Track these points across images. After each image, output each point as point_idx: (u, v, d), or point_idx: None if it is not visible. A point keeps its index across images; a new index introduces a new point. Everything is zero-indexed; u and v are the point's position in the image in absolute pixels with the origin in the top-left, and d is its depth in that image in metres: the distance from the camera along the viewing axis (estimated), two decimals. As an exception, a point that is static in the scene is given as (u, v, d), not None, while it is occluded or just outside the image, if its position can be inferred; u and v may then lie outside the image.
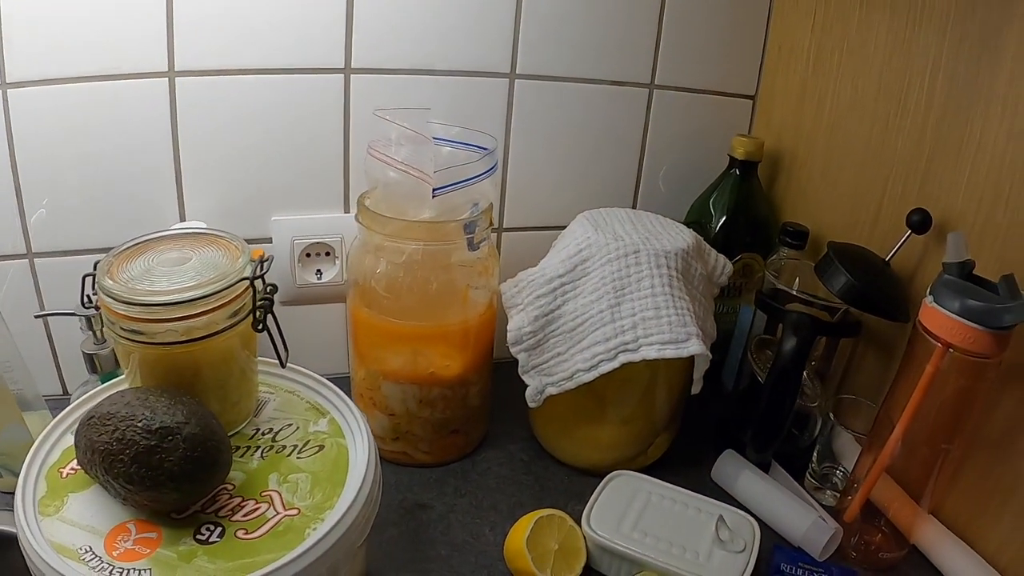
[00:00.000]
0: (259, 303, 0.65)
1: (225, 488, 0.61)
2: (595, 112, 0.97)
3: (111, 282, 0.59)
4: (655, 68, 0.97)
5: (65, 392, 0.90)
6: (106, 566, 0.53)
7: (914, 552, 0.80)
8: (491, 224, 0.81)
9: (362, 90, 0.86)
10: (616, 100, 0.97)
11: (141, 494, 0.56)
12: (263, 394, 0.72)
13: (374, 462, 0.64)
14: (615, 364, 0.77)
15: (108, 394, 0.62)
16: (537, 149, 0.97)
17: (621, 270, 0.78)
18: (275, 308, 0.92)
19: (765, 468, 0.87)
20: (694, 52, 0.99)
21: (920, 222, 0.81)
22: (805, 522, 0.79)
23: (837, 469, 0.87)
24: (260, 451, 0.65)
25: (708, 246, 0.89)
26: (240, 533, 0.57)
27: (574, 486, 0.84)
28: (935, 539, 0.80)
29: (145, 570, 0.53)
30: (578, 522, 0.76)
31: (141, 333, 0.59)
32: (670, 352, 0.76)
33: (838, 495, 0.86)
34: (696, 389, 0.82)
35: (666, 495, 0.80)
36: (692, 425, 0.95)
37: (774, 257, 0.94)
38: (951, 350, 0.68)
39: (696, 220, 1.01)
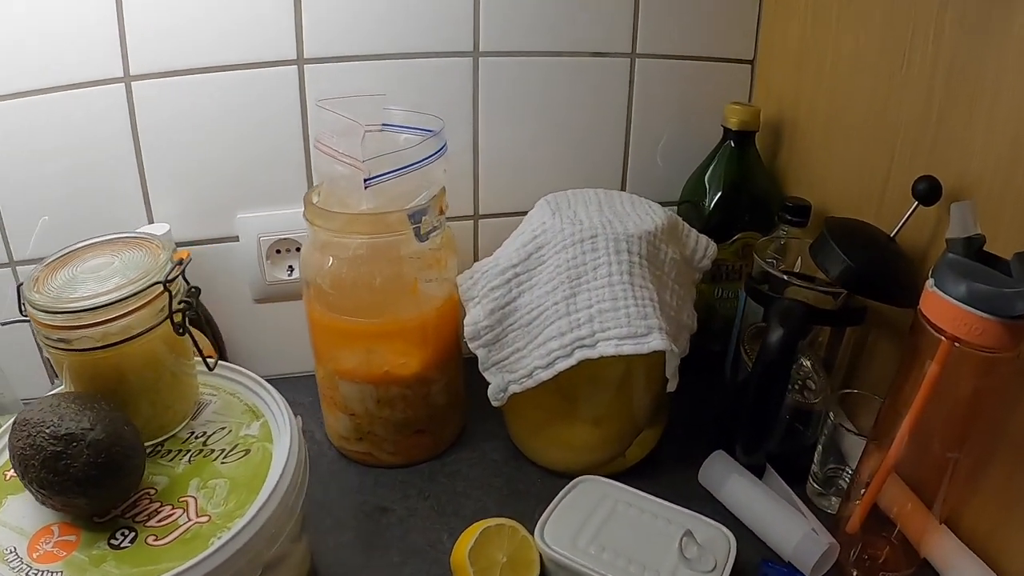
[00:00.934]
0: (177, 306, 0.65)
1: (147, 493, 0.59)
2: (571, 87, 0.90)
3: (35, 294, 0.58)
4: (635, 35, 0.89)
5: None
6: (24, 567, 0.52)
7: (927, 568, 0.69)
8: (443, 212, 0.75)
9: (318, 81, 0.82)
10: (594, 73, 0.90)
11: (54, 498, 0.56)
12: (205, 396, 0.69)
13: (293, 469, 0.59)
14: (572, 361, 0.70)
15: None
16: (510, 130, 0.91)
17: (577, 257, 0.71)
18: (247, 306, 0.91)
19: (759, 471, 0.78)
20: (680, 14, 0.89)
21: (927, 191, 0.69)
22: (795, 535, 0.70)
23: (844, 471, 0.77)
24: (189, 455, 0.63)
25: (687, 227, 0.80)
26: (150, 539, 0.55)
27: (546, 490, 0.77)
28: (949, 555, 0.69)
29: (57, 572, 0.52)
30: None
31: (65, 340, 0.58)
32: (629, 348, 0.68)
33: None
34: (672, 387, 0.73)
35: (634, 504, 0.72)
36: (689, 420, 0.87)
37: (772, 236, 0.83)
38: (957, 344, 0.58)
39: (689, 199, 0.92)
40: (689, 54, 0.91)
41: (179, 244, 0.84)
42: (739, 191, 0.88)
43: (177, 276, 0.63)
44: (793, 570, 0.69)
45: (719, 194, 0.88)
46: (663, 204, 0.93)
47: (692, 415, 0.88)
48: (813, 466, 0.78)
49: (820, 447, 0.77)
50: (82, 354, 0.60)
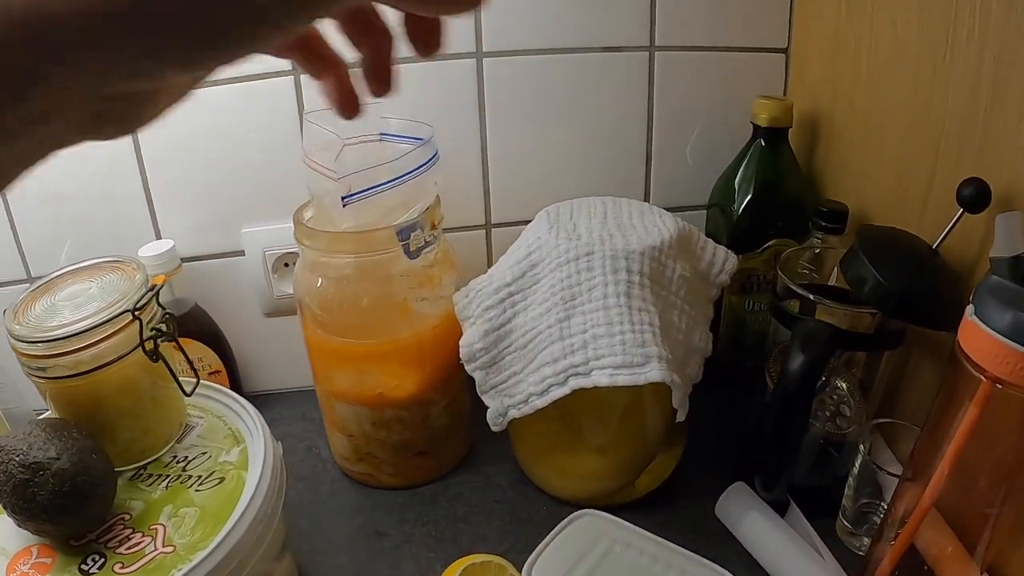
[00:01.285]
0: (150, 333, 0.63)
1: (123, 518, 0.59)
2: (584, 87, 0.83)
3: (14, 324, 0.59)
4: (653, 26, 0.80)
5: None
6: None
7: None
8: (435, 227, 0.71)
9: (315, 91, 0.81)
10: (609, 69, 0.82)
11: (25, 524, 0.56)
12: (193, 418, 0.68)
13: (261, 501, 0.57)
14: (566, 390, 0.64)
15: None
16: (520, 134, 0.85)
17: (571, 276, 0.65)
18: (257, 320, 0.89)
19: (782, 507, 0.70)
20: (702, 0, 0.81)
21: (973, 196, 0.59)
22: None
23: (879, 506, 0.68)
24: (167, 480, 0.62)
25: (703, 238, 0.72)
26: (118, 567, 0.55)
27: (550, 519, 0.70)
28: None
29: None
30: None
31: (42, 368, 0.58)
32: (624, 378, 0.62)
33: (878, 542, 0.67)
34: (681, 416, 0.66)
35: (634, 544, 0.66)
36: (714, 443, 0.80)
37: (805, 245, 0.75)
38: (999, 385, 0.48)
39: (717, 203, 0.83)
40: (715, 44, 0.82)
41: (185, 259, 0.83)
42: (771, 194, 0.79)
43: (147, 303, 0.62)
44: (809, 624, 0.62)
45: (749, 197, 0.79)
46: (691, 208, 0.86)
47: (718, 437, 0.81)
48: (844, 501, 0.70)
49: (851, 481, 0.69)
50: (58, 382, 0.60)
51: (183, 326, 0.81)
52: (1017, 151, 0.58)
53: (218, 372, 0.85)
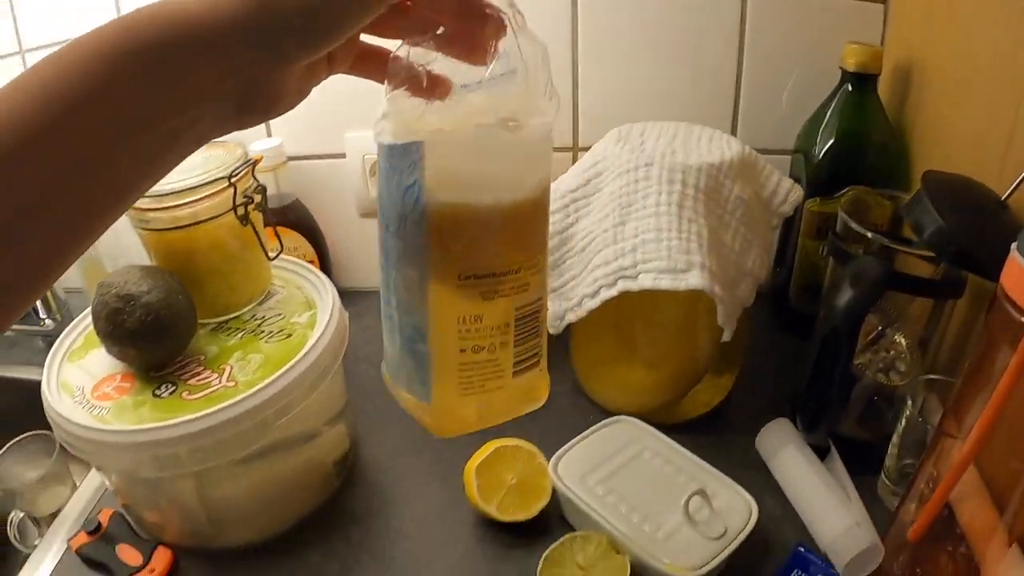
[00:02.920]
0: (241, 200, 0.67)
1: (198, 358, 0.66)
2: (678, 19, 0.82)
3: None
4: None
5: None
6: (84, 401, 0.62)
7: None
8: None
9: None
10: (702, 6, 0.80)
11: (112, 348, 0.64)
12: (276, 287, 0.74)
13: (318, 355, 0.62)
14: (614, 292, 0.64)
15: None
16: (611, 59, 0.84)
17: (629, 184, 0.64)
18: (353, 220, 0.94)
19: (823, 452, 0.67)
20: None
21: None
22: (837, 526, 0.59)
23: None
24: (243, 333, 0.68)
25: (770, 168, 0.69)
26: (185, 394, 0.62)
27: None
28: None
29: (105, 408, 0.61)
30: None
31: (145, 220, 0.67)
32: (666, 282, 0.61)
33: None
34: (727, 336, 0.64)
35: (662, 453, 0.64)
36: (773, 386, 0.78)
37: (883, 192, 0.71)
38: None
39: (801, 147, 0.79)
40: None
41: (292, 157, 0.88)
42: (854, 141, 0.75)
43: (243, 174, 0.68)
44: (827, 565, 0.59)
45: (831, 142, 0.75)
46: (779, 152, 0.84)
47: (775, 378, 0.79)
48: (887, 460, 0.65)
49: (895, 440, 0.64)
50: (158, 233, 0.67)
51: (284, 217, 0.87)
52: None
53: (312, 263, 0.91)
